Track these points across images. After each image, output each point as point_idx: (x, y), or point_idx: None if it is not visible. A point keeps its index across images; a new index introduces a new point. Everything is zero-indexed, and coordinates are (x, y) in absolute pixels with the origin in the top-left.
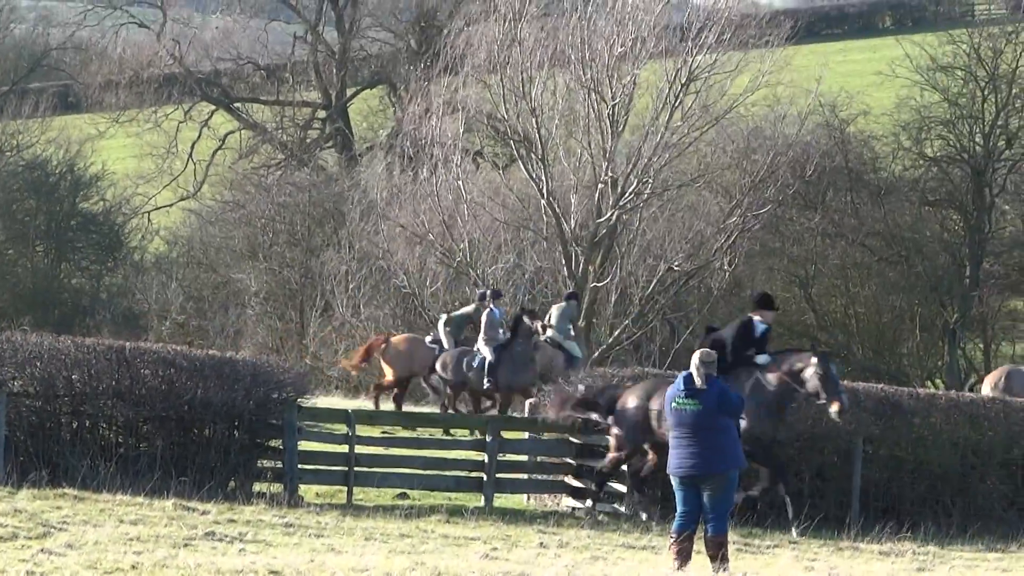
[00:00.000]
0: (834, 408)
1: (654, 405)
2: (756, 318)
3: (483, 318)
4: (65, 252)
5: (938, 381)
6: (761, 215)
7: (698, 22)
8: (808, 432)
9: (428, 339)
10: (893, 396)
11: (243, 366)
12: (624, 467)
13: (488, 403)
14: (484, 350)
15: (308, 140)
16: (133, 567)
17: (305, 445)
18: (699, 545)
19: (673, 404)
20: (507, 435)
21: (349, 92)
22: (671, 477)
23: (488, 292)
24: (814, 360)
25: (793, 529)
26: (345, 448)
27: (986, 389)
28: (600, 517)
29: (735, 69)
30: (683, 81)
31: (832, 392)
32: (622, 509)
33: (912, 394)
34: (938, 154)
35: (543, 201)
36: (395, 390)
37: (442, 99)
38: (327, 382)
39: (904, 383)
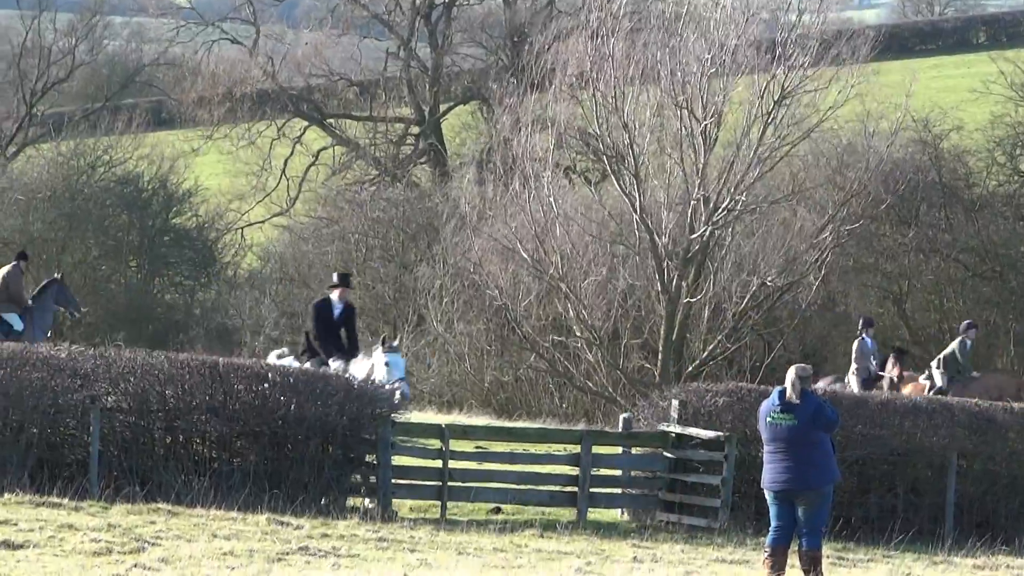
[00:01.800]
0: None
1: None
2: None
3: (854, 347)
4: (158, 268)
5: None
6: (854, 230)
7: (790, 38)
8: (902, 447)
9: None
10: (988, 411)
11: (336, 381)
12: (720, 481)
13: None
14: (853, 382)
15: (401, 156)
16: None
17: (399, 460)
18: (793, 559)
19: (768, 419)
20: (600, 449)
21: (442, 108)
22: (765, 491)
23: (862, 320)
24: None
25: None
26: (439, 463)
27: None
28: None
29: (827, 85)
30: (775, 98)
31: None
32: (716, 524)
33: (1007, 408)
34: None
35: (636, 216)
36: None
37: (533, 114)
38: (420, 397)
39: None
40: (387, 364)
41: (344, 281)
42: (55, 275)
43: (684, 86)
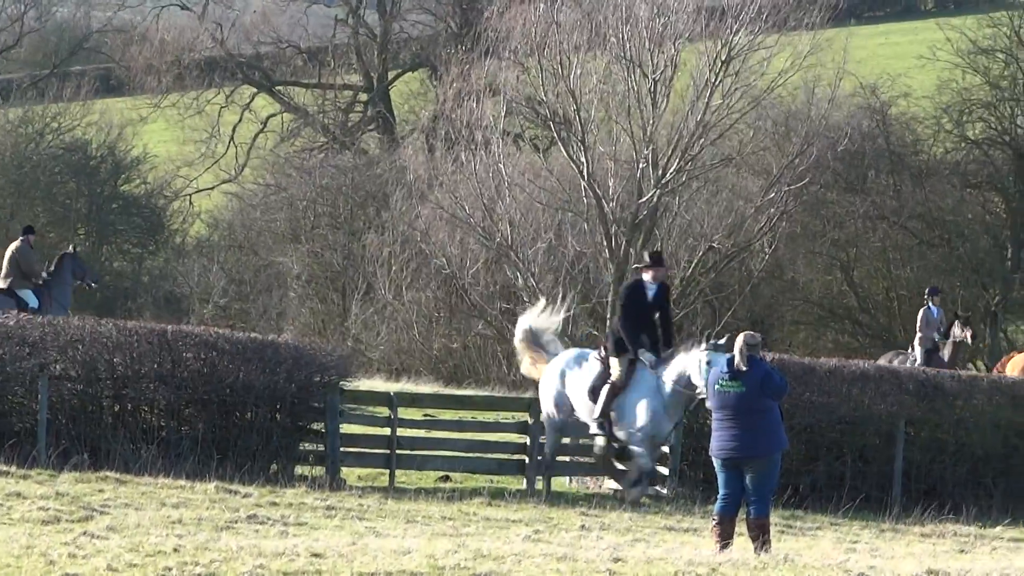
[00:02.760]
0: None
1: None
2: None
3: (919, 316)
4: (106, 235)
5: (979, 363)
6: (799, 193)
7: (740, 2)
8: (850, 415)
9: None
10: (935, 378)
11: (285, 349)
12: (666, 449)
13: None
14: (918, 351)
15: (350, 123)
16: (175, 550)
17: (347, 428)
18: (741, 527)
19: (716, 386)
20: None
21: (390, 75)
22: (713, 459)
23: (928, 289)
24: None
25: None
26: (387, 431)
27: (1013, 372)
28: (642, 500)
29: (774, 48)
30: (723, 60)
31: None
32: (664, 491)
33: (954, 376)
34: (980, 137)
35: (583, 183)
36: None
37: (483, 82)
38: (369, 364)
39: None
40: (708, 364)
41: (657, 260)
42: (68, 248)
43: (633, 45)
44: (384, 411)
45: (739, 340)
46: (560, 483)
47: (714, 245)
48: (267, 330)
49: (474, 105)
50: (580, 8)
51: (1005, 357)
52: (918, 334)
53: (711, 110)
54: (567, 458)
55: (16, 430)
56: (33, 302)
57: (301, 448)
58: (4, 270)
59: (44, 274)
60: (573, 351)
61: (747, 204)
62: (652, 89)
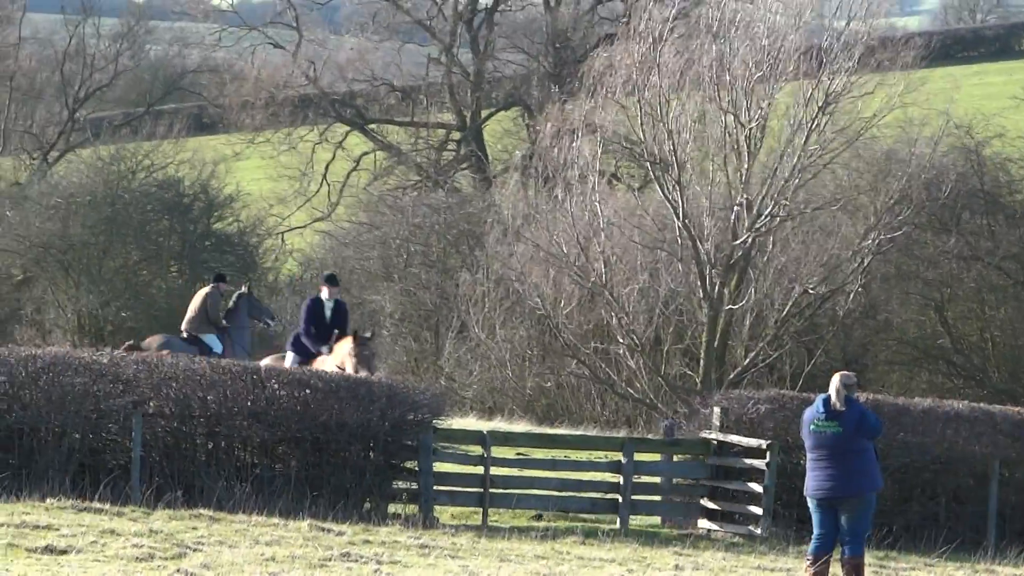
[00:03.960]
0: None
1: None
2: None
3: None
4: (199, 272)
5: None
6: (896, 237)
7: (836, 45)
8: (944, 455)
9: None
10: None
11: (378, 387)
12: (760, 488)
13: None
14: None
15: (443, 162)
16: None
17: (440, 466)
18: (835, 567)
19: (812, 426)
20: (642, 456)
21: (483, 114)
22: (808, 499)
23: None
24: None
25: None
26: (480, 469)
27: None
28: (734, 539)
29: (871, 92)
30: (819, 104)
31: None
32: (758, 531)
33: None
34: None
35: (678, 223)
36: None
37: (579, 120)
38: (462, 403)
39: None
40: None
41: (331, 281)
42: (243, 288)
43: (730, 91)
44: (477, 450)
45: (835, 380)
46: (652, 522)
47: (809, 289)
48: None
49: (570, 144)
50: (681, 50)
51: None
52: None
53: (806, 153)
54: (659, 497)
55: (110, 467)
56: (217, 347)
57: (394, 486)
58: (190, 315)
59: (225, 322)
60: None
61: (842, 246)
62: (748, 136)
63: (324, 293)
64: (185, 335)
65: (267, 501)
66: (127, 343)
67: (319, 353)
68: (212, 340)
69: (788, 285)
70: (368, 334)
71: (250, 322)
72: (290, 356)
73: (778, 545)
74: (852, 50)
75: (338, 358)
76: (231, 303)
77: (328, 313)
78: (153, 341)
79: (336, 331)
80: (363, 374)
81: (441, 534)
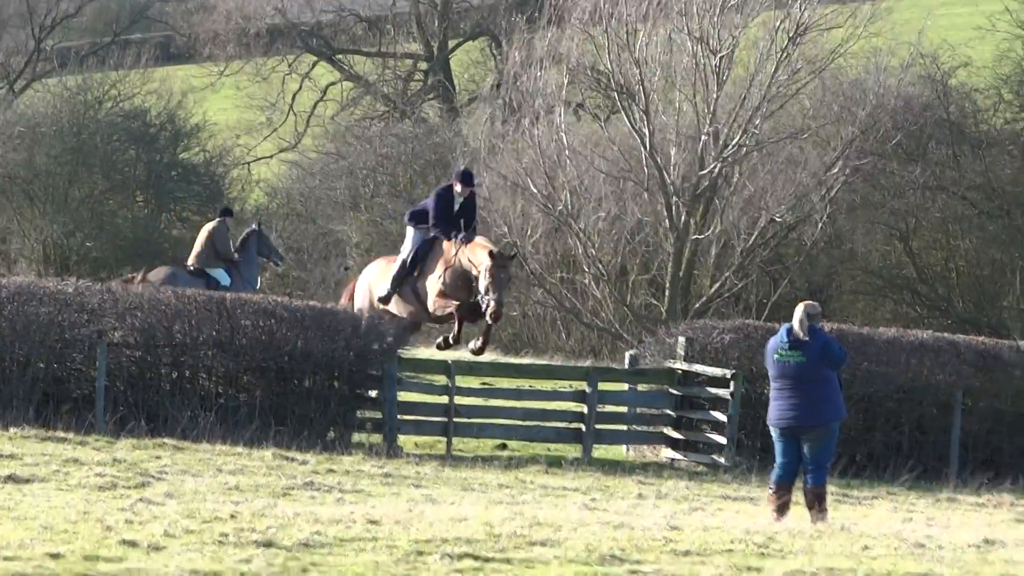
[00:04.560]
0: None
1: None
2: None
3: None
4: (165, 202)
5: None
6: (862, 167)
7: None
8: (908, 384)
9: None
10: (993, 349)
11: (344, 317)
12: (724, 418)
13: None
14: None
15: (410, 92)
16: (232, 516)
17: (405, 396)
18: (797, 496)
19: (775, 355)
20: (607, 386)
21: (451, 44)
22: (771, 428)
23: None
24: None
25: None
26: (445, 399)
27: None
28: (698, 468)
29: (840, 25)
30: (789, 35)
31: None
32: (721, 460)
33: (1012, 346)
34: None
35: (645, 153)
36: None
37: (545, 50)
38: (428, 332)
39: (1004, 336)
40: None
41: (467, 179)
42: (253, 225)
43: (699, 20)
44: (442, 379)
45: (799, 310)
46: (617, 452)
47: (775, 218)
48: (326, 298)
49: (537, 73)
50: None
51: None
52: None
53: (775, 84)
54: (623, 427)
55: (74, 396)
56: (225, 280)
57: (358, 416)
58: (197, 249)
59: (236, 255)
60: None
61: (808, 176)
62: (716, 65)
63: (457, 188)
64: (192, 268)
65: (231, 431)
66: (130, 275)
67: (450, 238)
68: (220, 274)
69: (754, 215)
70: (512, 252)
71: (259, 259)
72: (410, 233)
73: (741, 474)
74: None
75: (471, 260)
76: (241, 238)
77: (457, 207)
78: (159, 273)
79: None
80: (492, 295)
81: (405, 463)
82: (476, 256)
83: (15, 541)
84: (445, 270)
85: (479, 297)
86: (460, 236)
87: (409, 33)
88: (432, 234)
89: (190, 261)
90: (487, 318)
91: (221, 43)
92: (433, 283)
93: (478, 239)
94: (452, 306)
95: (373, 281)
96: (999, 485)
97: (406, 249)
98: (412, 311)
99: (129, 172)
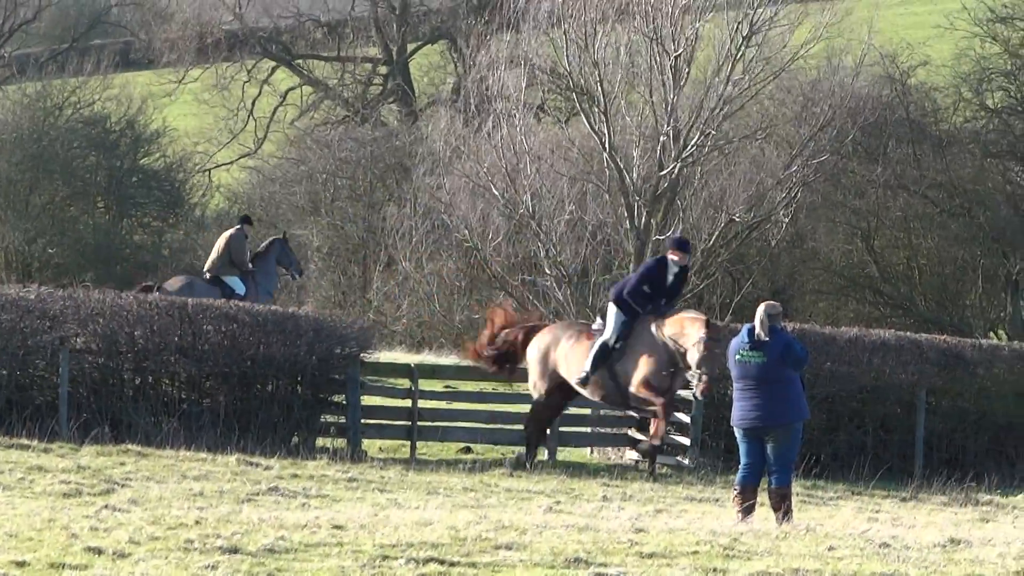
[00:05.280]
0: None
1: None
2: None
3: None
4: (126, 208)
5: (1001, 332)
6: (821, 164)
7: None
8: (871, 384)
9: None
10: (956, 347)
11: (306, 321)
12: (687, 419)
13: None
14: None
15: (369, 96)
16: (197, 522)
17: (368, 400)
18: (762, 497)
19: (737, 356)
20: None
21: (410, 48)
22: (735, 429)
23: None
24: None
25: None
26: (408, 403)
27: None
28: (662, 470)
29: (798, 23)
30: (744, 34)
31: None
32: (685, 462)
33: (975, 345)
34: (999, 105)
35: (605, 154)
36: None
37: (504, 53)
38: (390, 337)
39: (967, 334)
40: None
41: (683, 247)
42: (278, 235)
43: (655, 21)
44: (405, 383)
45: (760, 310)
46: (581, 454)
47: (735, 218)
48: (288, 303)
49: (496, 76)
50: None
51: None
52: None
53: (732, 83)
54: (587, 429)
55: (37, 403)
56: (240, 289)
57: (322, 420)
58: (213, 256)
59: (250, 263)
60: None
61: (768, 176)
62: (674, 65)
63: (673, 257)
64: (208, 276)
65: (195, 436)
66: (145, 283)
67: (655, 314)
68: (235, 282)
69: (714, 215)
70: (721, 322)
71: (277, 269)
72: (613, 313)
73: (706, 475)
74: None
75: (678, 334)
76: (262, 246)
77: (670, 278)
78: (175, 282)
79: (665, 299)
80: (703, 370)
81: (369, 467)
82: (684, 329)
83: None
84: (650, 353)
85: (688, 373)
86: (663, 309)
87: (368, 37)
88: (636, 311)
89: (206, 268)
90: (697, 394)
91: (179, 50)
92: (636, 367)
93: (686, 312)
94: (659, 403)
95: (559, 358)
96: (963, 484)
97: (609, 330)
98: (606, 395)
99: (90, 178)
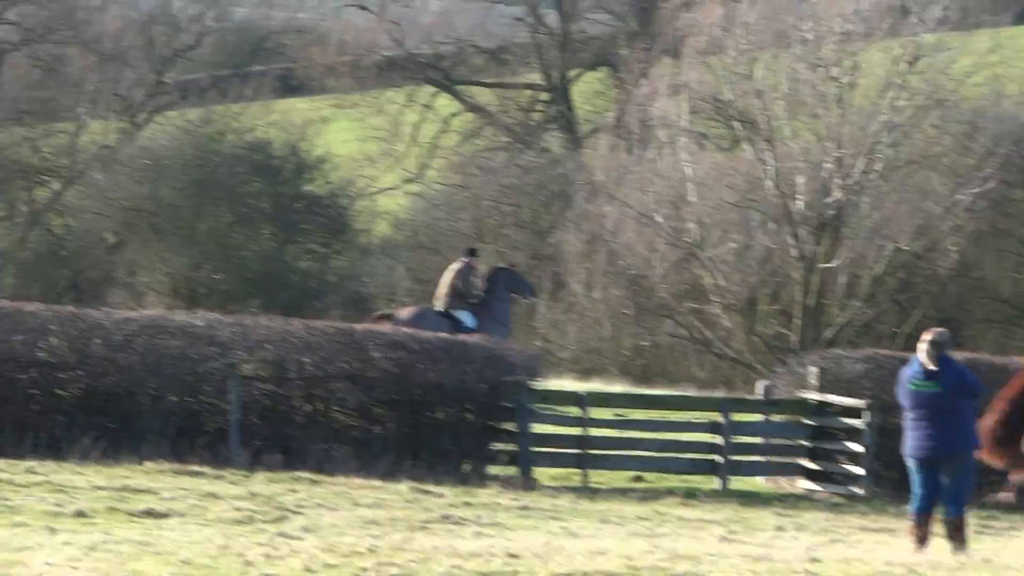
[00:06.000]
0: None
1: None
2: None
3: None
4: (291, 235)
5: None
6: (987, 192)
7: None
8: None
9: None
10: None
11: (475, 348)
12: (862, 448)
13: None
14: None
15: (531, 122)
16: (371, 550)
17: (538, 428)
18: (938, 527)
19: (910, 385)
20: (740, 417)
21: (571, 74)
22: (907, 459)
23: None
24: None
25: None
26: (579, 430)
27: None
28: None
29: (960, 49)
30: (907, 61)
31: None
32: (858, 491)
33: None
34: None
35: (769, 182)
36: None
37: (665, 81)
38: (558, 364)
39: None
40: None
41: None
42: (501, 263)
43: (817, 48)
44: (575, 411)
45: (927, 338)
46: (753, 483)
47: (902, 247)
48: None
49: (657, 104)
50: (764, 7)
51: None
52: None
53: (896, 110)
54: (760, 458)
55: (208, 430)
56: (471, 323)
57: (492, 448)
58: (441, 291)
59: (480, 293)
60: None
61: (934, 204)
62: (838, 92)
63: None
64: (440, 309)
65: (366, 463)
66: (381, 312)
67: None
68: (465, 316)
69: (881, 243)
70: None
71: (508, 296)
72: None
73: (879, 505)
74: (941, 3)
75: None
76: (487, 276)
77: None
78: (407, 312)
79: None
80: None
81: (541, 495)
82: None
83: None
84: None
85: None
86: None
87: (529, 64)
88: None
89: (434, 303)
90: None
91: (338, 75)
92: None
93: None
94: None
95: None
96: None
97: None
98: None
99: (254, 204)
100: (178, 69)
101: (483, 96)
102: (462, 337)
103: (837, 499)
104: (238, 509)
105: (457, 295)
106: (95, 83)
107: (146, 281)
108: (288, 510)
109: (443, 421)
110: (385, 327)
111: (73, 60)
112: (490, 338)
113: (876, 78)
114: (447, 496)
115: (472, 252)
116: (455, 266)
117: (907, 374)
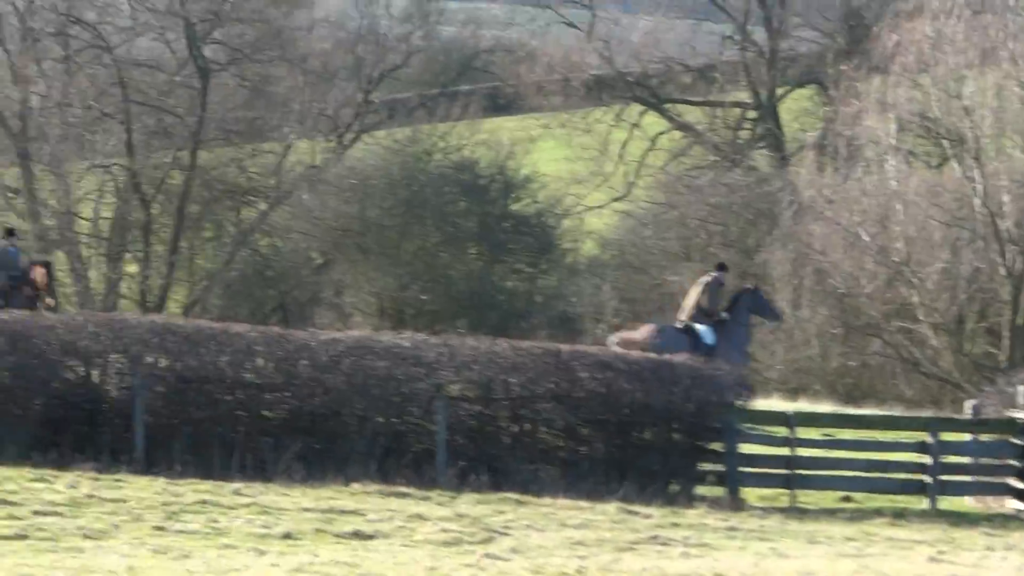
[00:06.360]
0: None
1: None
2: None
3: None
4: (498, 254)
5: None
6: None
7: None
8: None
9: None
10: None
11: (682, 368)
12: None
13: None
14: None
15: (739, 141)
16: (578, 571)
17: (745, 448)
18: None
19: None
20: (949, 437)
21: (779, 92)
22: None
23: None
24: None
25: None
26: (786, 451)
27: None
28: None
29: None
30: None
31: None
32: None
33: None
34: None
35: (977, 200)
36: None
37: (873, 98)
38: (765, 384)
39: None
40: None
41: None
42: (747, 284)
43: None
44: (782, 431)
45: None
46: (960, 503)
47: None
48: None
49: (866, 122)
50: (972, 23)
51: None
52: None
53: None
54: (968, 478)
55: (414, 451)
56: (710, 339)
57: (700, 468)
58: (687, 303)
59: (724, 313)
60: None
61: None
62: None
63: None
64: (680, 325)
65: (573, 484)
66: (620, 336)
67: None
68: (706, 332)
69: None
70: None
71: (750, 319)
72: None
73: None
74: None
75: None
76: (733, 297)
77: None
78: (645, 330)
79: None
80: None
81: (748, 516)
82: None
83: None
84: None
85: None
86: None
87: (736, 82)
88: None
89: (680, 315)
90: None
91: (546, 94)
92: None
93: None
94: None
95: None
96: None
97: None
98: None
99: (461, 224)
100: (385, 88)
101: (691, 114)
102: (668, 357)
103: None
104: (445, 530)
105: (702, 311)
106: (302, 103)
107: (353, 301)
108: (495, 531)
109: (650, 441)
110: (633, 341)
111: (280, 80)
112: (717, 363)
113: None
114: (654, 517)
115: (722, 267)
116: (704, 279)
117: None
